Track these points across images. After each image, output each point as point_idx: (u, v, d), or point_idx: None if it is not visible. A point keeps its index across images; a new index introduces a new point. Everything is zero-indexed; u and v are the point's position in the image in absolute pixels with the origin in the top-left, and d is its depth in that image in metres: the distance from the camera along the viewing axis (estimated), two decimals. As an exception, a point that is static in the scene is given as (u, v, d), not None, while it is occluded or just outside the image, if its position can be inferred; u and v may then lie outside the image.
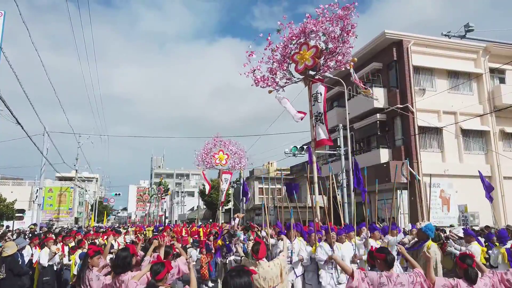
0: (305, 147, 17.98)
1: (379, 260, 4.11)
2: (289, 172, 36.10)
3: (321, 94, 9.42)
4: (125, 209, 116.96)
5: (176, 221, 53.78)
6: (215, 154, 20.13)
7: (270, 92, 10.14)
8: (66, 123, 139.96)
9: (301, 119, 9.94)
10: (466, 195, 17.75)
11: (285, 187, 11.30)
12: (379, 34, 20.14)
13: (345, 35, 9.30)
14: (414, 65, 19.84)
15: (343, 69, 9.91)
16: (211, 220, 31.33)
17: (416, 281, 3.78)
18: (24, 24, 11.52)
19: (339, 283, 6.65)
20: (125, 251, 4.31)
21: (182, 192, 62.63)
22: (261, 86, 10.13)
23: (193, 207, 55.38)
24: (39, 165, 20.21)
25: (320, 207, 10.08)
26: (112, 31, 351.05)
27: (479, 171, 10.39)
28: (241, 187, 9.22)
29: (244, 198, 17.26)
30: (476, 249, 6.19)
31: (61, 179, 48.18)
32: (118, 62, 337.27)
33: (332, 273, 6.70)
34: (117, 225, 60.15)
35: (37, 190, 20.30)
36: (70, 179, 43.74)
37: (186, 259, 4.82)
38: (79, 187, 45.26)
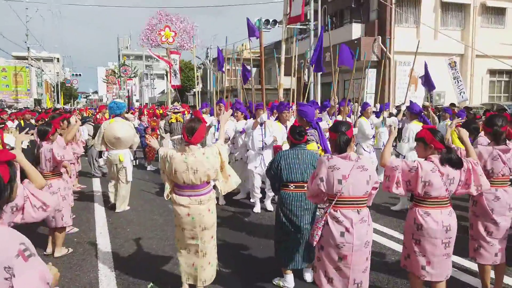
0: (270, 20, 16.18)
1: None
2: (258, 55, 34.36)
3: None
4: (96, 92, 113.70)
5: (147, 104, 52.73)
6: (160, 31, 18.00)
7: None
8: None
9: None
10: (436, 74, 17.11)
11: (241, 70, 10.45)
12: None
13: None
14: None
15: None
16: (180, 102, 30.46)
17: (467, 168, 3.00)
18: None
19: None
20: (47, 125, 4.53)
21: (151, 74, 60.10)
22: None
23: (164, 90, 53.87)
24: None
25: (287, 89, 9.70)
26: None
27: (425, 62, 9.16)
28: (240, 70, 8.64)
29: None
30: (415, 126, 5.84)
31: (17, 58, 44.69)
32: None
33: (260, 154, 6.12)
34: (84, 106, 58.70)
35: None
36: (25, 58, 40.44)
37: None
38: (34, 67, 42.22)
